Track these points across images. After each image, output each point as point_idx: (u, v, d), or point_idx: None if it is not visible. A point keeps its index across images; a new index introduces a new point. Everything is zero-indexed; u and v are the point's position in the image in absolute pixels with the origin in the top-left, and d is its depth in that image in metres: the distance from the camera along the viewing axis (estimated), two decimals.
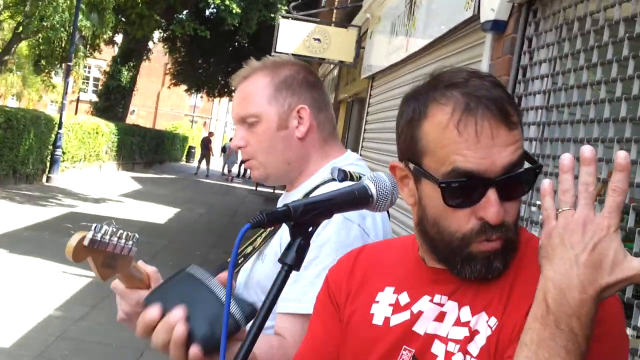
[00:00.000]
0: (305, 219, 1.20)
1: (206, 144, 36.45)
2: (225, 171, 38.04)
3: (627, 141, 2.53)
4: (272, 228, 1.95)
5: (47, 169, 20.12)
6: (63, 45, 21.42)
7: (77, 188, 19.61)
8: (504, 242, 1.18)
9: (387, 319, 1.29)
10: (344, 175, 1.89)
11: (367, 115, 8.54)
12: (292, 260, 1.19)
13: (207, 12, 31.20)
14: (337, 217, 1.68)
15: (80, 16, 19.84)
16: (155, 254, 11.62)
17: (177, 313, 1.23)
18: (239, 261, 2.00)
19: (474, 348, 1.17)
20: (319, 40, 9.50)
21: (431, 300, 1.25)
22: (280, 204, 2.21)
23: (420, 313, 1.25)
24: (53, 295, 8.13)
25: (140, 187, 23.21)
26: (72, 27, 20.09)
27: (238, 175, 37.61)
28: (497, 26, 3.88)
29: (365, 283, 1.37)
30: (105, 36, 24.61)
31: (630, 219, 2.40)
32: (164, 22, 28.24)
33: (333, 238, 1.74)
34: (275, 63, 2.00)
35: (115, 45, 30.44)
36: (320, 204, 1.22)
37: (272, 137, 1.94)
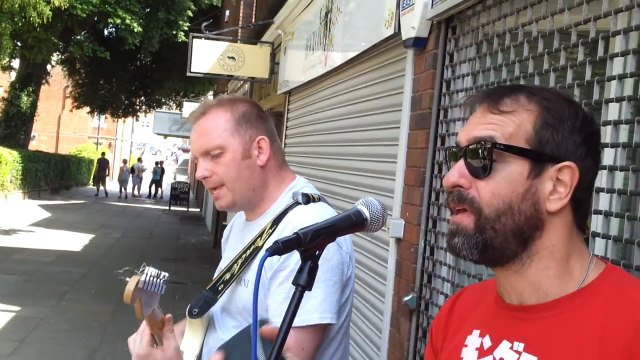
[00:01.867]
0: (314, 244, 1.33)
1: (103, 165, 36.77)
2: (135, 191, 37.50)
3: None
4: (249, 255, 2.10)
5: None
6: None
7: None
8: (472, 219, 1.23)
9: None
10: (307, 199, 2.10)
11: (286, 130, 8.68)
12: (305, 281, 1.32)
13: (106, 32, 30.68)
14: None
15: None
16: (76, 283, 11.42)
17: (216, 357, 1.36)
18: (219, 288, 2.13)
19: None
20: (233, 58, 9.58)
21: (511, 348, 1.26)
22: (233, 233, 2.35)
23: None
24: None
25: (49, 215, 22.59)
26: None
27: (149, 196, 37.11)
28: (418, 43, 4.09)
29: (459, 326, 1.42)
30: (2, 62, 23.87)
31: None
32: (62, 45, 27.60)
33: None
34: (230, 100, 2.21)
35: (11, 71, 29.54)
36: (325, 230, 1.35)
37: (238, 166, 2.12)
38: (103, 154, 40.48)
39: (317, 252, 1.35)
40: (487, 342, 1.31)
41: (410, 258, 4.02)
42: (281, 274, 1.96)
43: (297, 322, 1.81)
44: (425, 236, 3.87)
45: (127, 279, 1.73)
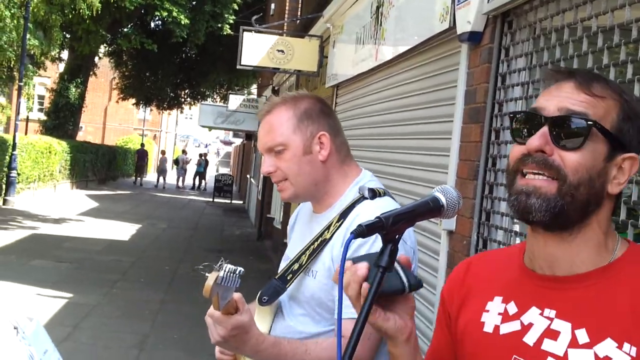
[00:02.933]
0: (394, 228, 1.40)
1: (142, 156, 38.22)
2: (180, 183, 38.00)
3: None
4: (317, 247, 2.17)
5: (4, 192, 19.86)
6: (11, 65, 21.14)
7: (35, 209, 19.41)
8: (558, 185, 1.31)
9: (496, 327, 1.42)
10: (373, 194, 2.17)
11: None
12: (386, 262, 1.39)
13: (153, 25, 31.07)
14: None
15: (28, 35, 19.64)
16: (126, 271, 11.67)
17: (364, 263, 1.43)
18: (288, 277, 2.21)
19: None
20: (282, 51, 9.68)
21: (541, 314, 1.37)
22: (299, 223, 2.43)
23: (530, 325, 1.37)
24: None
25: (97, 205, 23.04)
26: (20, 47, 19.87)
27: (193, 188, 37.57)
28: (474, 37, 4.11)
29: (476, 293, 1.51)
30: (52, 53, 24.37)
31: (622, 212, 2.65)
32: (109, 37, 28.03)
33: (379, 245, 1.96)
34: (294, 97, 2.28)
35: (60, 62, 30.11)
36: (405, 215, 1.42)
37: (300, 161, 2.21)
38: (142, 145, 41.65)
39: (397, 236, 1.42)
40: (512, 308, 1.42)
41: (462, 250, 4.05)
42: None
43: (345, 314, 1.92)
44: (478, 229, 3.91)
45: (207, 274, 1.84)
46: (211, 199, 29.54)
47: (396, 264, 1.42)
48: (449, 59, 4.74)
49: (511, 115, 1.44)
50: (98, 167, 32.93)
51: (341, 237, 2.10)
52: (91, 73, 30.65)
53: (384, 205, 2.10)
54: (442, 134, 4.66)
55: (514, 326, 1.40)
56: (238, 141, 40.51)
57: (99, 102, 53.32)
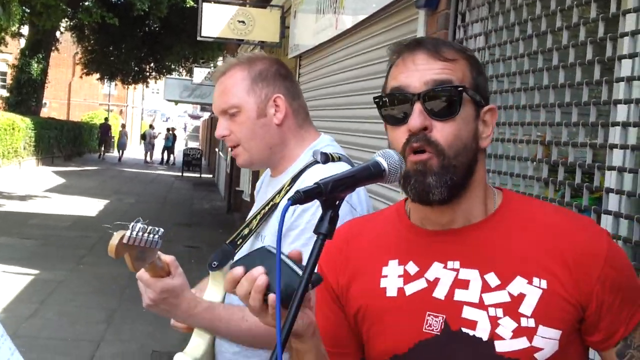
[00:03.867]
0: (334, 194, 1.37)
1: (105, 130, 39.61)
2: (148, 158, 37.73)
3: (567, 105, 2.78)
4: (267, 211, 2.14)
5: None
6: None
7: (0, 186, 19.11)
8: (438, 161, 1.33)
9: (400, 290, 1.42)
10: (325, 158, 2.09)
11: None
12: (326, 229, 1.35)
13: None
14: None
15: None
16: (93, 246, 11.56)
17: (259, 269, 1.39)
18: (238, 242, 2.18)
19: (527, 309, 1.32)
20: (243, 22, 9.55)
21: (445, 267, 1.39)
22: (262, 187, 2.40)
23: (437, 280, 1.38)
24: None
25: (64, 181, 22.77)
26: None
27: (161, 162, 37.33)
28: (430, 3, 4.09)
29: (364, 262, 1.49)
30: (12, 29, 23.86)
31: (577, 176, 2.66)
32: (70, 11, 27.49)
33: None
34: (249, 58, 2.20)
35: (21, 38, 29.51)
36: (344, 180, 1.37)
37: (253, 125, 2.14)
38: (106, 119, 42.37)
39: (338, 202, 1.39)
40: (412, 268, 1.43)
41: None
42: (292, 233, 1.99)
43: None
44: None
45: (114, 232, 1.76)
46: (180, 174, 29.35)
47: (289, 261, 1.37)
48: (406, 26, 4.71)
49: (376, 100, 1.42)
50: (64, 143, 32.54)
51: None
52: (53, 48, 30.13)
53: (335, 170, 2.03)
54: None
55: (419, 284, 1.41)
56: (206, 115, 40.32)
57: (63, 78, 52.55)
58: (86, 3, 27.73)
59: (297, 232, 1.98)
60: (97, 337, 7.03)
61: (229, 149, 2.27)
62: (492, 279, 1.35)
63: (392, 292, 1.42)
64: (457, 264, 1.38)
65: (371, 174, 1.44)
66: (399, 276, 1.43)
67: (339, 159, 2.14)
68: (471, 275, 1.36)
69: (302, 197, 1.35)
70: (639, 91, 2.44)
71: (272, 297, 1.30)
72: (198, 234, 13.67)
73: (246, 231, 2.19)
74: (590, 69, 2.63)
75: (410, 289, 1.40)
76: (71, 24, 31.12)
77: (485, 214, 1.41)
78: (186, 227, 14.43)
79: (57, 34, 30.95)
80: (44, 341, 6.78)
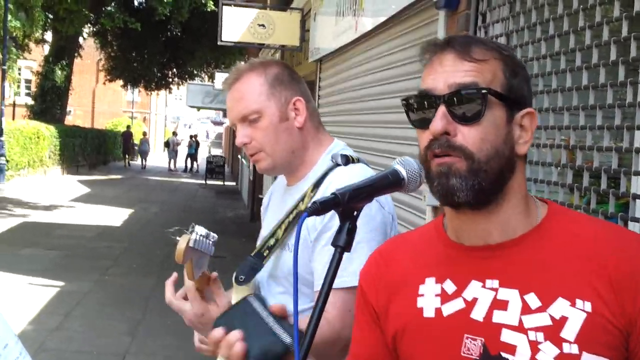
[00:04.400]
0: (351, 204, 1.32)
1: (127, 138, 39.34)
2: (172, 166, 37.89)
3: (591, 108, 2.70)
4: (292, 220, 2.08)
5: None
6: None
7: (26, 196, 19.29)
8: (467, 164, 1.26)
9: (438, 310, 1.34)
10: (346, 160, 2.08)
11: (318, 99, 8.62)
12: (344, 242, 1.31)
13: (136, 3, 30.71)
14: None
15: (9, 17, 19.34)
16: (118, 257, 11.60)
17: (235, 334, 1.36)
18: (264, 254, 2.11)
19: (569, 333, 1.21)
20: (263, 26, 9.52)
21: (484, 286, 1.30)
22: (274, 199, 2.33)
23: (475, 300, 1.30)
24: (24, 308, 8.06)
25: (89, 190, 22.91)
26: (2, 29, 19.58)
27: (185, 170, 37.47)
28: (450, 3, 4.02)
29: (402, 282, 1.42)
30: (36, 35, 24.05)
31: (603, 181, 2.57)
32: (92, 17, 27.68)
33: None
34: (262, 63, 2.16)
35: (44, 44, 29.72)
36: (362, 190, 1.33)
37: (277, 129, 2.09)
38: (128, 127, 42.27)
39: (356, 213, 1.33)
40: (450, 287, 1.35)
41: None
42: (325, 236, 1.93)
43: (341, 283, 1.86)
44: None
45: (178, 237, 1.72)
46: (203, 181, 29.39)
47: (270, 319, 1.31)
48: (427, 27, 4.64)
49: (403, 102, 1.36)
50: (88, 151, 32.75)
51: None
52: (76, 54, 30.32)
53: (357, 172, 2.01)
54: None
55: (457, 304, 1.33)
56: (228, 121, 40.33)
57: (87, 85, 52.92)
58: (108, 8, 27.95)
59: (330, 234, 1.91)
60: (122, 350, 7.01)
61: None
62: (533, 300, 1.26)
63: (429, 313, 1.35)
64: (496, 283, 1.30)
65: (390, 182, 1.39)
66: (436, 295, 1.36)
67: (358, 160, 2.11)
68: (510, 295, 1.28)
69: (319, 208, 1.30)
70: None
71: None
72: (222, 242, 13.20)
73: (272, 242, 2.12)
74: (615, 70, 2.54)
75: (448, 309, 1.33)
76: (94, 29, 31.35)
77: (527, 227, 1.32)
78: None
79: (80, 40, 31.16)
80: (70, 355, 6.76)
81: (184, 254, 1.70)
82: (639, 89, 2.43)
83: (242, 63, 2.35)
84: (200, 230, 1.73)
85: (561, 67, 2.94)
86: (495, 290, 1.29)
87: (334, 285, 1.84)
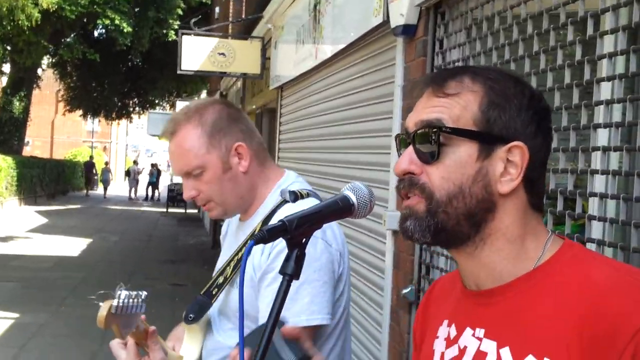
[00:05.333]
0: (300, 232, 1.29)
1: (90, 167, 40.15)
2: (132, 194, 37.51)
3: None
4: (240, 257, 2.05)
5: None
6: None
7: None
8: (425, 204, 1.20)
9: (442, 355, 1.31)
10: (294, 196, 2.05)
11: (280, 126, 8.63)
12: (292, 270, 1.28)
13: (96, 34, 30.53)
14: None
15: None
16: (75, 288, 11.38)
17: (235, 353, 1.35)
18: (214, 292, 2.10)
19: None
20: (223, 54, 9.52)
21: (473, 335, 1.25)
22: (230, 231, 2.32)
23: (465, 349, 1.26)
24: None
25: (46, 221, 22.52)
26: None
27: (146, 199, 37.11)
28: (408, 30, 4.04)
29: (433, 319, 1.40)
30: None
31: (559, 203, 2.59)
32: (51, 48, 27.46)
33: None
34: (197, 110, 2.11)
35: (2, 76, 29.42)
36: (311, 217, 1.30)
37: (221, 180, 2.06)
38: (91, 157, 42.66)
39: (304, 240, 1.30)
40: (453, 332, 1.30)
41: (407, 250, 3.97)
42: (269, 276, 1.92)
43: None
44: None
45: (101, 303, 1.68)
46: (165, 209, 29.13)
47: (279, 342, 1.29)
48: (385, 54, 4.67)
49: (395, 139, 1.32)
50: (46, 181, 32.31)
51: (260, 245, 1.98)
52: (35, 85, 30.04)
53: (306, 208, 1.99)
54: (383, 131, 4.58)
55: (454, 351, 1.28)
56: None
57: (46, 115, 52.39)
58: (67, 39, 27.74)
59: (274, 275, 1.90)
60: None
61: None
62: (506, 355, 1.17)
63: (437, 357, 1.31)
64: (481, 332, 1.23)
65: (339, 208, 1.36)
66: (445, 339, 1.31)
67: (308, 195, 2.07)
68: (490, 347, 1.20)
69: (266, 236, 1.26)
70: (619, 114, 2.38)
71: None
72: (183, 270, 13.49)
73: (221, 280, 2.11)
74: (569, 93, 2.57)
75: (448, 355, 1.29)
76: (53, 60, 31.08)
77: (517, 273, 1.20)
78: (171, 264, 14.25)
79: (39, 71, 30.87)
80: None
81: (105, 321, 1.67)
82: (594, 111, 2.45)
83: (177, 111, 2.33)
84: (124, 294, 1.68)
85: None
86: (480, 340, 1.23)
87: None
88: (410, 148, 1.23)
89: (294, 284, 1.78)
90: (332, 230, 1.99)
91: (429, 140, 1.20)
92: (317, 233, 1.88)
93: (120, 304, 1.67)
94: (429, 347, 1.35)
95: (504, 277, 1.22)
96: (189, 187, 2.08)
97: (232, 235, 2.26)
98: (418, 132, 1.21)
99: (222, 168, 2.05)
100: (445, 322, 1.33)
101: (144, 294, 1.75)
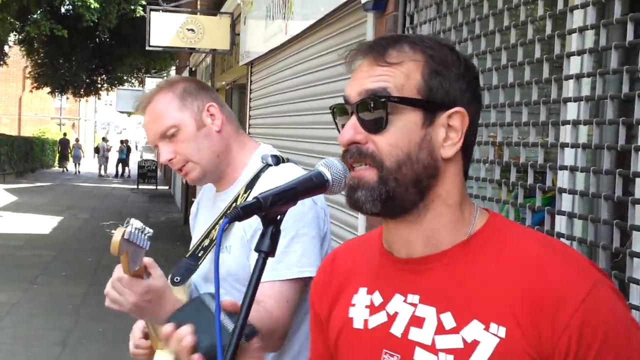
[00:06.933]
0: (274, 209, 1.29)
1: (64, 145, 40.78)
2: (102, 171, 37.19)
3: (517, 105, 2.74)
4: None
5: None
6: None
7: None
8: (376, 172, 1.22)
9: (365, 322, 1.30)
10: (277, 160, 2.11)
11: (250, 102, 8.58)
12: (267, 247, 1.28)
13: (63, 10, 30.01)
14: None
15: None
16: (47, 265, 11.30)
17: (185, 328, 1.36)
18: (199, 254, 2.12)
19: (479, 359, 1.14)
20: (192, 30, 9.42)
21: (405, 301, 1.26)
22: (203, 207, 2.32)
23: (395, 314, 1.26)
24: None
25: (16, 199, 22.26)
26: None
27: (116, 175, 36.83)
28: (378, 6, 4.04)
29: (341, 288, 1.39)
30: None
31: (529, 176, 2.62)
32: (18, 24, 26.94)
33: (291, 212, 1.87)
34: (168, 82, 2.23)
35: None
36: (285, 193, 1.30)
37: (196, 137, 2.13)
38: (65, 134, 42.78)
39: (279, 217, 1.31)
40: (377, 299, 1.30)
41: (379, 224, 3.99)
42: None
43: (276, 276, 1.92)
44: None
45: (113, 231, 1.71)
46: (135, 186, 28.93)
47: (221, 315, 1.31)
48: (355, 29, 4.66)
49: (330, 110, 1.34)
50: (15, 159, 31.91)
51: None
52: (1, 62, 29.49)
53: (289, 171, 2.07)
54: None
55: (380, 318, 1.28)
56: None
57: (13, 93, 51.52)
58: (34, 16, 27.22)
59: None
60: (54, 359, 6.83)
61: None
62: (448, 320, 1.19)
63: (358, 324, 1.31)
64: (416, 299, 1.24)
65: (314, 184, 1.36)
66: (366, 306, 1.31)
67: (287, 160, 2.17)
68: (428, 312, 1.22)
69: (241, 214, 1.26)
70: (588, 88, 2.41)
71: (194, 357, 1.30)
72: (155, 247, 13.33)
73: (207, 242, 2.15)
74: (540, 68, 2.59)
75: (373, 321, 1.29)
76: (20, 37, 30.51)
77: (455, 240, 1.24)
78: None
79: (6, 48, 30.31)
80: None
81: (119, 246, 1.69)
82: (563, 85, 2.48)
83: (172, 73, 2.44)
84: (136, 223, 1.74)
85: (487, 66, 2.98)
86: (415, 305, 1.24)
87: (271, 278, 1.90)
88: (354, 118, 1.24)
89: (284, 237, 1.85)
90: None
91: (375, 109, 1.22)
92: None
93: (133, 231, 1.72)
94: (342, 315, 1.35)
95: (442, 245, 1.25)
96: (165, 151, 2.14)
97: (209, 208, 2.28)
98: (362, 101, 1.23)
99: (195, 125, 2.13)
100: (363, 289, 1.34)
101: (150, 231, 1.80)
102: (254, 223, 1.95)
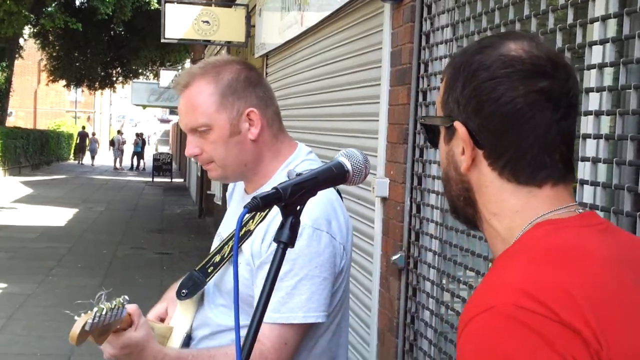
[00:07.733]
0: (294, 199, 1.27)
1: (83, 137, 41.86)
2: (117, 164, 37.38)
3: None
4: (240, 238, 2.00)
5: None
6: None
7: None
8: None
9: None
10: None
11: None
12: (287, 237, 1.27)
13: (78, 3, 30.11)
14: (307, 229, 1.81)
15: None
16: (62, 257, 11.35)
17: None
18: (209, 270, 2.05)
19: None
20: (207, 22, 9.40)
21: None
22: (235, 198, 2.26)
23: None
24: None
25: (32, 191, 22.40)
26: None
27: (131, 168, 37.01)
28: None
29: None
30: None
31: None
32: (33, 17, 27.06)
33: (305, 251, 1.83)
34: (215, 67, 2.00)
35: None
36: (305, 184, 1.29)
37: (227, 143, 1.97)
38: (83, 127, 43.71)
39: (299, 207, 1.29)
40: None
41: (396, 217, 3.97)
42: (267, 267, 1.89)
43: (280, 319, 1.80)
44: (411, 194, 3.82)
45: (76, 317, 1.61)
46: (150, 179, 29.05)
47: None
48: (373, 20, 4.61)
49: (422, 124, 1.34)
50: (30, 152, 32.11)
51: (262, 232, 1.90)
52: (17, 56, 29.65)
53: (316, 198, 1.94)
54: (371, 98, 4.54)
55: None
56: (176, 118, 40.07)
57: (28, 86, 51.83)
58: (49, 9, 27.32)
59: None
60: (67, 351, 6.85)
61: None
62: None
63: None
64: None
65: (334, 175, 1.35)
66: None
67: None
68: None
69: (260, 204, 1.25)
70: (611, 78, 2.37)
71: None
72: (170, 240, 13.48)
73: (217, 258, 2.05)
74: None
75: None
76: (35, 30, 30.66)
77: (497, 254, 1.21)
78: (157, 234, 14.23)
79: (21, 41, 30.45)
80: (12, 357, 6.60)
81: (77, 339, 1.61)
82: (584, 76, 2.44)
83: (187, 65, 2.27)
84: (98, 311, 1.60)
85: None
86: None
87: (272, 320, 1.78)
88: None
89: (293, 277, 1.80)
90: (337, 221, 1.92)
91: (426, 131, 1.27)
92: (323, 226, 1.85)
93: (96, 322, 1.60)
94: None
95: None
96: (193, 144, 1.99)
97: (238, 203, 2.19)
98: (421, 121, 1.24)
99: (229, 130, 1.95)
100: None
101: (125, 298, 1.69)
102: (263, 253, 1.88)
